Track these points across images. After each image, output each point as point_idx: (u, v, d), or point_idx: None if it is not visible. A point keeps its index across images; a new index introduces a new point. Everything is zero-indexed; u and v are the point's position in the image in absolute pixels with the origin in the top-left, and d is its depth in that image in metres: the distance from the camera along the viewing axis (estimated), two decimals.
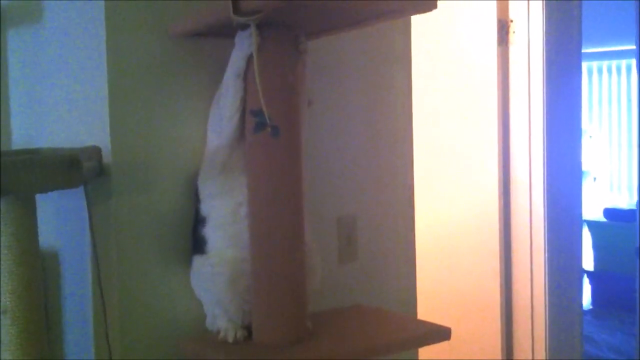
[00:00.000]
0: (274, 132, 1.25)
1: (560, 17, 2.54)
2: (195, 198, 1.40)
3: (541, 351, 2.56)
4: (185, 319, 1.42)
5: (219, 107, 1.35)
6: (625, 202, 6.06)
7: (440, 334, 1.42)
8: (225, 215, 1.36)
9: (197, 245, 1.39)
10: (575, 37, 2.62)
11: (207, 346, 1.34)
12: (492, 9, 2.53)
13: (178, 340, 1.39)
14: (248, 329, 1.36)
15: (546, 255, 2.54)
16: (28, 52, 1.63)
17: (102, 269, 1.36)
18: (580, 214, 2.74)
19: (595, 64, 6.55)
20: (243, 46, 1.27)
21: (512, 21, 2.54)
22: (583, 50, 2.68)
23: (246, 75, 1.29)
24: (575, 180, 2.70)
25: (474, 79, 2.59)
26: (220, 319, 1.38)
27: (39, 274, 1.25)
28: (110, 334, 1.35)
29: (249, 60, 1.27)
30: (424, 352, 1.83)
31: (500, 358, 2.58)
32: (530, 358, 2.58)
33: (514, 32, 2.53)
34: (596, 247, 4.85)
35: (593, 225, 4.86)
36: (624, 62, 6.43)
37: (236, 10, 1.19)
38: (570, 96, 2.64)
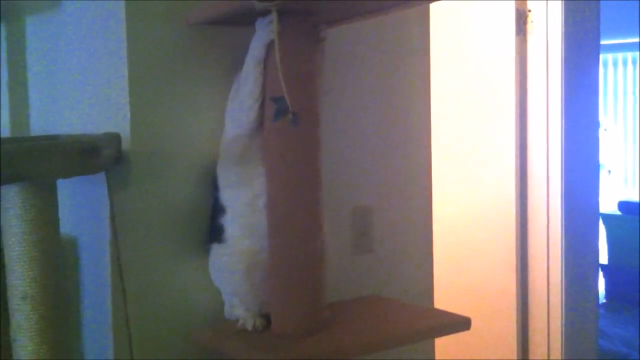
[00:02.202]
0: (294, 119, 1.24)
1: (578, 7, 2.52)
2: (213, 187, 1.40)
3: (557, 345, 2.55)
4: (203, 307, 1.42)
5: (239, 96, 1.34)
6: None
7: (459, 323, 1.41)
8: (243, 206, 1.35)
9: (215, 233, 1.39)
10: (594, 27, 2.60)
11: (225, 334, 1.34)
12: None
13: (196, 329, 1.39)
14: (266, 317, 1.36)
15: (563, 249, 2.53)
16: (47, 39, 1.63)
17: (121, 256, 1.36)
18: (597, 208, 2.72)
19: (610, 56, 6.50)
20: (263, 33, 1.27)
21: (530, 11, 2.52)
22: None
23: (266, 63, 1.28)
24: (593, 174, 2.68)
25: (491, 69, 2.57)
26: (238, 307, 1.38)
27: (59, 260, 1.26)
28: (129, 320, 1.35)
29: (269, 47, 1.27)
30: (439, 346, 1.83)
31: (515, 352, 2.57)
32: (546, 352, 2.57)
33: (532, 22, 2.51)
34: (610, 240, 4.82)
35: (607, 219, 4.82)
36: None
37: None
38: (588, 88, 2.62)
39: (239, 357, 1.28)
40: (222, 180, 1.38)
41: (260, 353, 1.24)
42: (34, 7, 1.66)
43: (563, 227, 2.53)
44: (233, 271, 1.35)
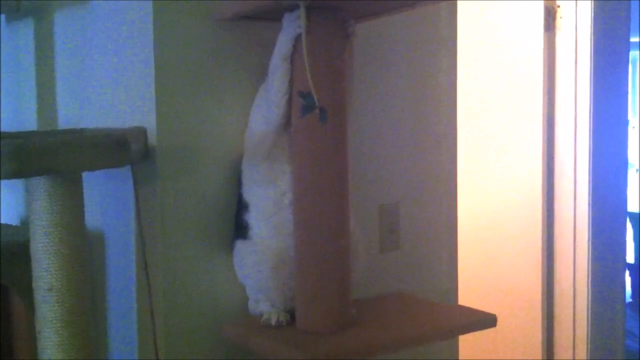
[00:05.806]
0: (322, 115, 1.23)
1: (608, 2, 2.48)
2: (239, 183, 1.40)
3: (583, 345, 2.52)
4: (228, 302, 1.42)
5: (266, 92, 1.33)
6: None
7: (485, 321, 1.40)
8: (269, 204, 1.35)
9: (240, 230, 1.39)
10: (624, 23, 2.56)
11: (250, 330, 1.34)
12: None
13: (221, 323, 1.39)
14: (290, 313, 1.35)
15: (590, 248, 2.49)
16: (75, 35, 1.63)
17: (146, 251, 1.36)
18: (625, 207, 2.68)
19: (639, 53, 6.40)
20: (290, 28, 1.26)
21: (559, 7, 2.48)
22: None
23: (293, 58, 1.27)
24: (621, 173, 2.64)
25: (519, 66, 2.54)
26: (263, 303, 1.38)
27: (85, 253, 1.26)
28: (154, 316, 1.35)
29: (297, 42, 1.26)
30: (463, 344, 1.81)
31: (540, 351, 2.55)
32: (572, 351, 2.54)
33: (561, 17, 2.48)
34: (638, 239, 4.76)
35: (635, 218, 4.76)
36: None
37: None
38: (617, 85, 2.57)
39: (270, 354, 1.27)
40: (248, 177, 1.38)
41: (290, 350, 1.23)
42: (62, 3, 1.67)
43: (590, 226, 2.50)
44: (259, 268, 1.35)
